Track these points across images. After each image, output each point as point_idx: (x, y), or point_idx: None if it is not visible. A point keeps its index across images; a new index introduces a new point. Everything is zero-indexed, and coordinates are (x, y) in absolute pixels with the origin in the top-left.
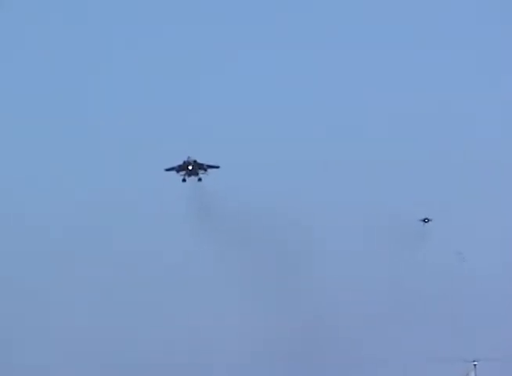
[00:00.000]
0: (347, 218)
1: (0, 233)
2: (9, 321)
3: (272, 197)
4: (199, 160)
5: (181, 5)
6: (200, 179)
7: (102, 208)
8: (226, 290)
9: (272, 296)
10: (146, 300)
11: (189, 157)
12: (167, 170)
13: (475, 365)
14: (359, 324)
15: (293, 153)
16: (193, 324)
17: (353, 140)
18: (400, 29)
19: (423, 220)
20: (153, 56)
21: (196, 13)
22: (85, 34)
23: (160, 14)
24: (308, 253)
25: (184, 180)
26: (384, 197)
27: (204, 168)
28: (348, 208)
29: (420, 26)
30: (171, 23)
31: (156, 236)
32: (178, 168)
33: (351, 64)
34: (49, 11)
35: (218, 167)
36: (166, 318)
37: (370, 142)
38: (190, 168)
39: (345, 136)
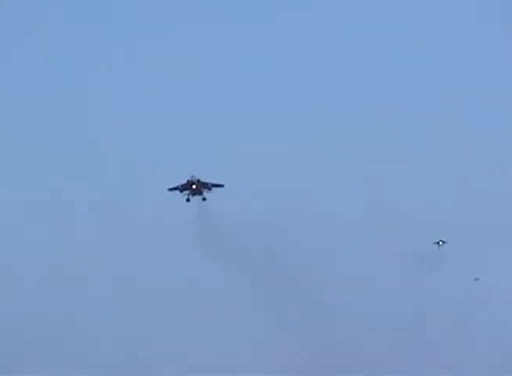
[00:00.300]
0: (359, 239)
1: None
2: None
3: (278, 215)
4: (203, 179)
5: (185, 10)
6: (204, 199)
7: (102, 230)
8: (233, 308)
9: (282, 315)
10: (153, 319)
11: (192, 176)
12: (171, 189)
13: None
14: (373, 346)
15: (301, 170)
16: (200, 339)
17: (363, 158)
18: (402, 28)
19: (438, 242)
20: (156, 68)
21: (201, 17)
22: (86, 35)
23: (164, 17)
24: (319, 273)
25: (188, 200)
26: (397, 217)
27: (209, 186)
28: (360, 228)
29: (422, 26)
30: (176, 34)
31: (161, 257)
32: (182, 188)
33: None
34: (49, 11)
35: (222, 185)
36: (171, 332)
37: (382, 163)
38: (194, 187)
39: (356, 154)
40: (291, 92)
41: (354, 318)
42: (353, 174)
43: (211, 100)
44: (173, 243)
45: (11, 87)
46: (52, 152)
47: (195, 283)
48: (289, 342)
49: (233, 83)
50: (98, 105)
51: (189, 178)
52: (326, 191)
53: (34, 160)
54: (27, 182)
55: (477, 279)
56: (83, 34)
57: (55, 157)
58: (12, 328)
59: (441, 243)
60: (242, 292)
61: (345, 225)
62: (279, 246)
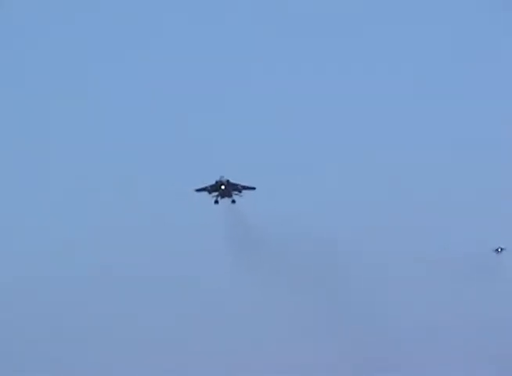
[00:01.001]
0: (412, 245)
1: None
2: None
3: (311, 221)
4: (232, 180)
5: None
6: (233, 201)
7: (129, 230)
8: (267, 317)
9: (321, 322)
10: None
11: (221, 177)
12: (198, 190)
13: None
14: (424, 357)
15: (336, 173)
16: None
17: (412, 166)
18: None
19: (497, 249)
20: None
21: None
22: (86, 35)
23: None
24: (362, 280)
25: (216, 202)
26: (455, 225)
27: (239, 188)
28: (413, 235)
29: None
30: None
31: (190, 261)
32: (210, 189)
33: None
34: (49, 11)
35: (253, 188)
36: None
37: (436, 168)
38: (223, 188)
39: (403, 158)
40: (322, 109)
41: (403, 324)
42: (402, 177)
43: (242, 97)
44: (201, 248)
45: (10, 87)
46: (71, 173)
47: (227, 290)
48: (327, 345)
49: (262, 81)
50: (117, 118)
51: (217, 179)
52: (369, 198)
53: (47, 174)
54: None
55: None
56: (82, 34)
57: (79, 180)
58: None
59: (500, 250)
60: (276, 301)
61: (396, 231)
62: (315, 253)
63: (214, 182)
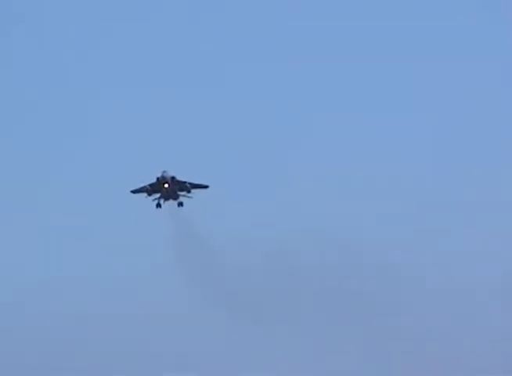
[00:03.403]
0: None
1: None
2: None
3: (281, 230)
4: (179, 177)
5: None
6: (180, 204)
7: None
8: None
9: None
10: None
11: (164, 172)
12: (135, 192)
13: None
14: None
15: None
16: None
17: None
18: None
19: None
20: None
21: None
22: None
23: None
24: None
25: (159, 205)
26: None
27: (187, 187)
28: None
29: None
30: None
31: (121, 298)
32: (150, 189)
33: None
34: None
35: (206, 186)
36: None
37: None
38: (167, 186)
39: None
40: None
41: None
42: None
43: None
44: (135, 277)
45: (11, 86)
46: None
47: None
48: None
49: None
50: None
51: (159, 175)
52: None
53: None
54: None
55: None
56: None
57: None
58: None
59: None
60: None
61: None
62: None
63: (154, 180)
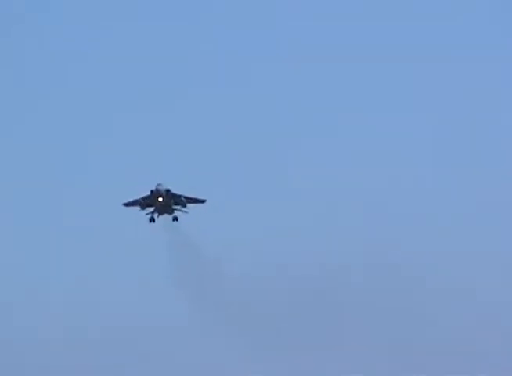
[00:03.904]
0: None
1: None
2: None
3: (282, 245)
4: (174, 190)
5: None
6: (175, 219)
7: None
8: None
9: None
10: None
11: (159, 185)
12: (127, 205)
13: None
14: None
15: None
16: None
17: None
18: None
19: None
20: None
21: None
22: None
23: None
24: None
25: (152, 220)
26: None
27: (182, 201)
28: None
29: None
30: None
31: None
32: (144, 202)
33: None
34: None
35: (203, 201)
36: None
37: None
38: (161, 200)
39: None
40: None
41: None
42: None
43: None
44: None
45: (11, 86)
46: None
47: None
48: None
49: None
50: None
51: (153, 188)
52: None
53: None
54: None
55: None
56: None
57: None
58: None
59: None
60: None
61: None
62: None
63: (148, 193)
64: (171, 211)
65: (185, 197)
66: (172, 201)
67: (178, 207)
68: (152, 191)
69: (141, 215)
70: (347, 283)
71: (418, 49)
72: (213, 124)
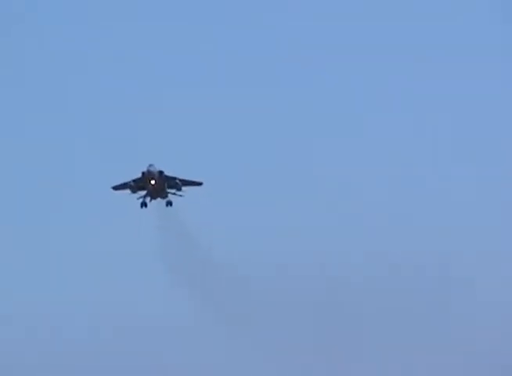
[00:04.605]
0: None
1: None
2: None
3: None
4: (168, 172)
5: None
6: (169, 203)
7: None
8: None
9: None
10: None
11: (150, 166)
12: (116, 188)
13: None
14: None
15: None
16: None
17: None
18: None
19: None
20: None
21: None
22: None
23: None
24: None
25: (144, 205)
26: None
27: (177, 184)
28: None
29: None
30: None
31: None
32: (134, 185)
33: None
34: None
35: (200, 183)
36: None
37: None
38: (153, 183)
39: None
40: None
41: None
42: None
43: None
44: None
45: (11, 86)
46: None
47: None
48: None
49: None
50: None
51: (144, 170)
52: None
53: None
54: None
55: None
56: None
57: None
58: None
59: None
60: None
61: None
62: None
63: (140, 175)
64: (164, 195)
65: (180, 180)
66: (166, 184)
67: (173, 190)
68: (143, 173)
69: (132, 199)
70: (347, 284)
71: (418, 49)
72: (213, 124)
